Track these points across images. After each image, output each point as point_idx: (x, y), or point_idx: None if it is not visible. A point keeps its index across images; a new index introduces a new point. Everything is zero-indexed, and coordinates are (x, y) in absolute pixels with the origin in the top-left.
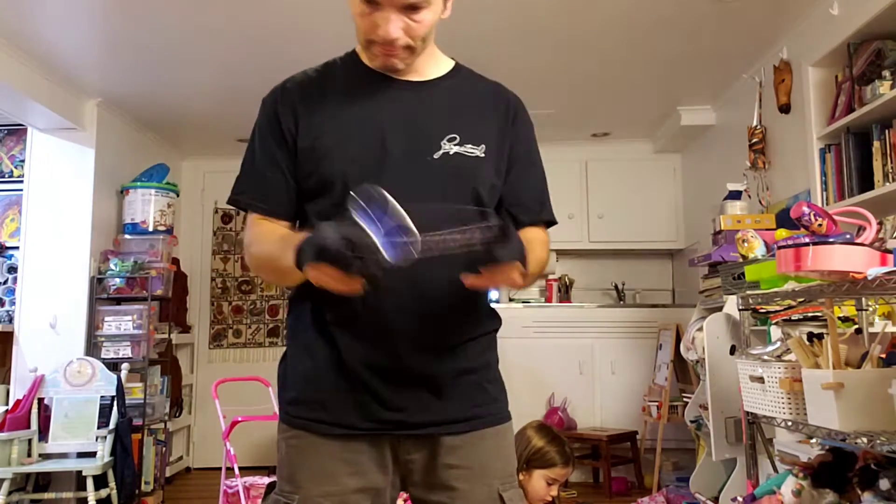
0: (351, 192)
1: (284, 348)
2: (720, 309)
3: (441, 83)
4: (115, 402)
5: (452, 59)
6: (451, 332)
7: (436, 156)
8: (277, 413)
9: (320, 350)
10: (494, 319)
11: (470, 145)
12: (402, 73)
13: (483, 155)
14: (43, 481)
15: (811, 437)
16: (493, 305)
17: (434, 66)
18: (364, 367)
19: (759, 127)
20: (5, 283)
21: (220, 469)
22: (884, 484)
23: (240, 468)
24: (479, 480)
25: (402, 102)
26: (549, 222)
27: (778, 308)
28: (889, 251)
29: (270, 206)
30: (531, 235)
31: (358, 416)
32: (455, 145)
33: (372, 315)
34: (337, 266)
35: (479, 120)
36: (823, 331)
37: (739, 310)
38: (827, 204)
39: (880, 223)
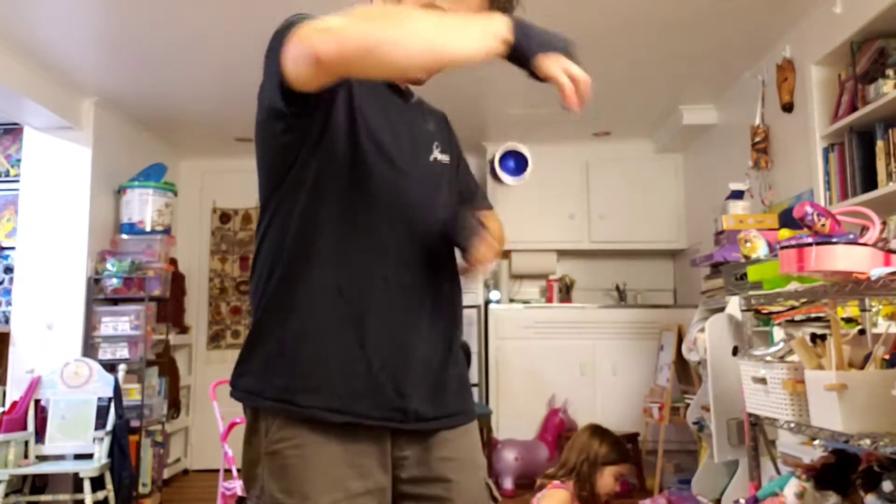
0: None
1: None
2: (722, 310)
3: (418, 101)
4: (113, 404)
5: None
6: (452, 313)
7: (430, 158)
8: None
9: (336, 333)
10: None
11: (445, 155)
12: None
13: (448, 163)
14: (40, 483)
15: (814, 439)
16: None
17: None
18: (385, 348)
19: (761, 126)
20: (1, 283)
21: (218, 471)
22: (887, 486)
23: (238, 470)
24: (470, 471)
25: (406, 109)
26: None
27: (781, 309)
28: (893, 251)
29: None
30: (491, 215)
31: (370, 405)
32: (439, 153)
33: (393, 296)
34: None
35: (445, 135)
36: (826, 332)
37: (742, 310)
38: (830, 204)
39: (884, 223)
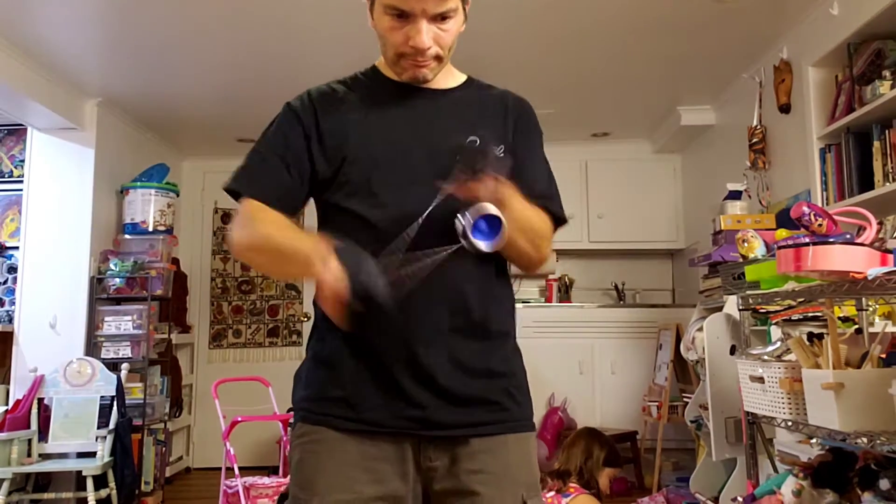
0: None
1: (286, 349)
2: (720, 309)
3: (457, 92)
4: (115, 402)
5: (465, 74)
6: (475, 320)
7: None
8: (277, 412)
9: (345, 347)
10: (511, 320)
11: (491, 145)
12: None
13: (502, 155)
14: (43, 481)
15: (811, 438)
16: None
17: (450, 78)
18: (390, 360)
19: (759, 127)
20: (5, 283)
21: (220, 469)
22: (884, 484)
23: (240, 468)
24: (504, 486)
25: (425, 107)
26: (555, 215)
27: (778, 308)
28: (889, 251)
29: (264, 191)
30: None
31: (384, 413)
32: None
33: (398, 307)
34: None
35: (494, 123)
36: (823, 331)
37: (739, 310)
38: (827, 204)
39: (880, 223)
